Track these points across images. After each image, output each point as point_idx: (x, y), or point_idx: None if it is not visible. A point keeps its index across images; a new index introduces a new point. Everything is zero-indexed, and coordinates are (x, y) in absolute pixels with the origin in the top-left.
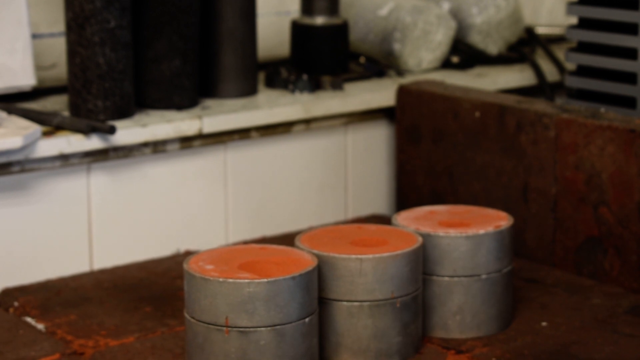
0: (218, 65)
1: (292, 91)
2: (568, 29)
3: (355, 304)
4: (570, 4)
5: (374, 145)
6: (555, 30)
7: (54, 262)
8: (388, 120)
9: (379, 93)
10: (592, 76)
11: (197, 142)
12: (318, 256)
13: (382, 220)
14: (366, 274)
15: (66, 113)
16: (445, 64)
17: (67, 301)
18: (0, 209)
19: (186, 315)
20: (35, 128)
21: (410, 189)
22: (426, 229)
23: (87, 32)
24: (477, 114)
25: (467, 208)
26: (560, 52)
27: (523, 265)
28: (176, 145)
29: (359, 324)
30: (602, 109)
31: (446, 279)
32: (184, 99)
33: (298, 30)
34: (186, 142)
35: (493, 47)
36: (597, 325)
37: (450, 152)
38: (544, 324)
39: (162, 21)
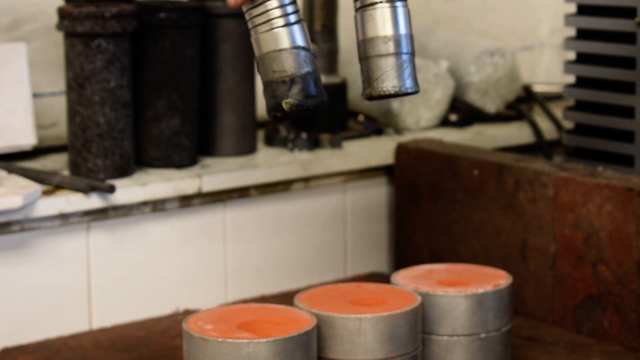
0: (217, 124)
1: (291, 149)
2: (565, 87)
3: None
4: (568, 63)
5: (373, 204)
6: (553, 89)
7: (53, 321)
8: (387, 178)
9: (378, 151)
10: (590, 134)
11: (196, 201)
12: (317, 316)
13: (381, 278)
14: (365, 334)
15: (66, 172)
16: (444, 122)
17: None
18: (0, 268)
19: None
20: (35, 187)
21: (409, 247)
22: (425, 288)
23: (87, 91)
24: (476, 172)
25: (466, 267)
26: (558, 110)
27: (522, 323)
28: (176, 204)
29: None
30: (600, 168)
31: (445, 338)
32: (184, 157)
33: None
34: (186, 201)
35: (491, 105)
36: None
37: (448, 210)
38: None
39: (161, 80)
